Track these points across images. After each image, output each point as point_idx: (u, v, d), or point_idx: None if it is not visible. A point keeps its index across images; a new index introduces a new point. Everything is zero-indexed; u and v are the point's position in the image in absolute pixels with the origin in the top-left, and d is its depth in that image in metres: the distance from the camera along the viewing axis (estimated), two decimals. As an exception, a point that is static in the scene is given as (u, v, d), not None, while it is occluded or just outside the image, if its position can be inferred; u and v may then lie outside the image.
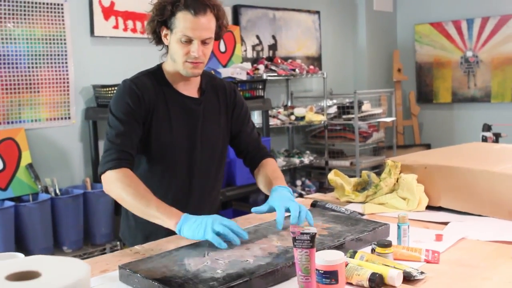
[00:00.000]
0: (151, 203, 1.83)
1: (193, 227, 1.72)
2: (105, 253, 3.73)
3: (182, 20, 1.92)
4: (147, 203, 1.83)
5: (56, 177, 3.74)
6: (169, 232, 2.05)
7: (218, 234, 1.68)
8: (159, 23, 1.99)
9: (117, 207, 3.81)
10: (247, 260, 1.54)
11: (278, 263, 1.51)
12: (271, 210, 1.88)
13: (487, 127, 4.42)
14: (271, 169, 2.16)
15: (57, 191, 3.68)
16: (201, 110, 2.09)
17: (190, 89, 2.10)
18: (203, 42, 1.96)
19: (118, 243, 3.83)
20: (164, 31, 1.99)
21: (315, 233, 1.36)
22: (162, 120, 2.02)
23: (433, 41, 6.54)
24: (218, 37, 2.05)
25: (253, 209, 1.91)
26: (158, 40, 2.04)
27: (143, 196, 1.85)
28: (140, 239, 2.08)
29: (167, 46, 2.03)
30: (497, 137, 4.37)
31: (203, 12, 1.93)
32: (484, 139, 4.31)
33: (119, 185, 1.87)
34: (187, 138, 2.06)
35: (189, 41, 1.94)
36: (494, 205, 2.06)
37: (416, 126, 6.67)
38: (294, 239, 1.37)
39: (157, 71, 2.09)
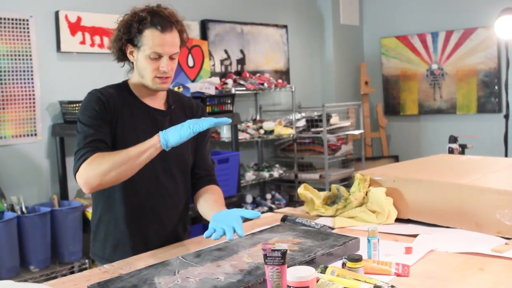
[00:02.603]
0: (129, 151, 1.88)
1: (176, 130, 1.81)
2: (73, 271, 3.67)
3: (151, 38, 1.98)
4: (127, 153, 1.87)
5: (22, 195, 3.66)
6: (135, 241, 2.07)
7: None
8: (125, 41, 2.02)
9: (85, 225, 3.76)
10: (218, 278, 1.53)
11: (249, 280, 1.50)
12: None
13: (453, 139, 4.47)
14: (215, 197, 2.13)
15: (24, 209, 3.60)
16: (167, 122, 2.12)
17: (156, 103, 2.15)
18: (171, 58, 2.03)
19: (86, 261, 3.77)
20: (130, 49, 2.04)
21: (286, 250, 1.36)
22: (128, 128, 2.05)
23: (399, 54, 6.63)
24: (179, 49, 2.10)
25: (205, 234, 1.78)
26: (123, 58, 2.08)
27: (120, 153, 1.88)
28: (110, 249, 2.10)
29: (133, 62, 2.09)
30: (463, 149, 4.42)
31: (169, 29, 2.00)
32: (451, 151, 4.36)
33: (95, 166, 1.88)
34: None
35: (158, 57, 2.00)
36: (462, 216, 2.09)
37: (384, 138, 6.74)
38: (265, 256, 1.37)
39: (123, 85, 2.14)
